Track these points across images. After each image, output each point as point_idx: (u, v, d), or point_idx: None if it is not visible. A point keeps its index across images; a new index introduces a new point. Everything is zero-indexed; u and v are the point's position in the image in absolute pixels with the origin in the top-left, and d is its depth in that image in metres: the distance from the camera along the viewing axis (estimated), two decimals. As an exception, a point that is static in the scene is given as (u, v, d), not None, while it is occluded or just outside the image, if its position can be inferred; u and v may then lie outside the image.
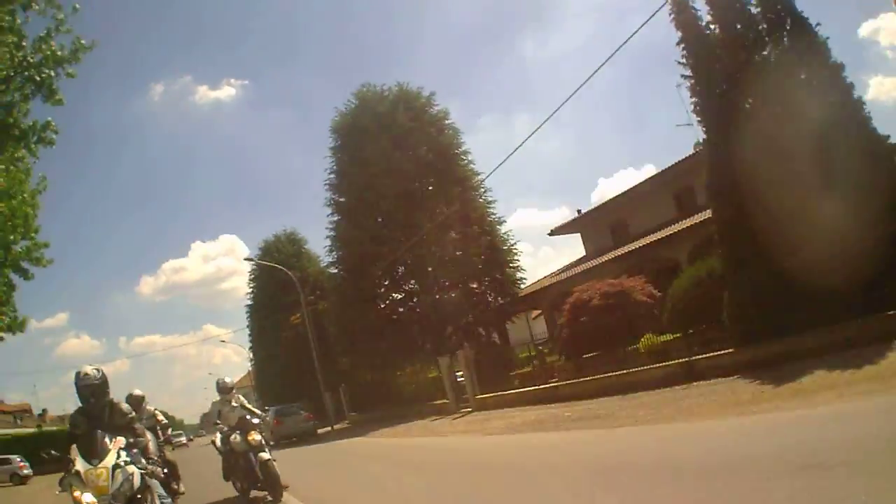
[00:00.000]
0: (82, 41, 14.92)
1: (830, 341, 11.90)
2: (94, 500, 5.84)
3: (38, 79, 14.54)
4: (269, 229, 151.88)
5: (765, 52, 14.28)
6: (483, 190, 33.01)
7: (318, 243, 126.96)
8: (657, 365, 16.34)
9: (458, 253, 31.27)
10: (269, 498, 10.60)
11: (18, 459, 39.01)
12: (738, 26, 14.64)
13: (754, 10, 14.57)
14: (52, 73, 14.68)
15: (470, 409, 23.68)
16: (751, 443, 7.85)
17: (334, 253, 35.95)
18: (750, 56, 14.35)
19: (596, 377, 18.27)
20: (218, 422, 12.16)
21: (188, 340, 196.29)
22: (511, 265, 32.33)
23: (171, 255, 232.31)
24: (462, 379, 25.41)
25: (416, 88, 33.83)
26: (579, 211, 33.52)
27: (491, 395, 23.18)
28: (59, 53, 14.77)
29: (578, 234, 34.22)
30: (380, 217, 32.26)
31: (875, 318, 11.63)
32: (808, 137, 12.72)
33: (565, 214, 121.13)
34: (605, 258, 25.79)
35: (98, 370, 6.98)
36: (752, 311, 13.54)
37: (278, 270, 44.44)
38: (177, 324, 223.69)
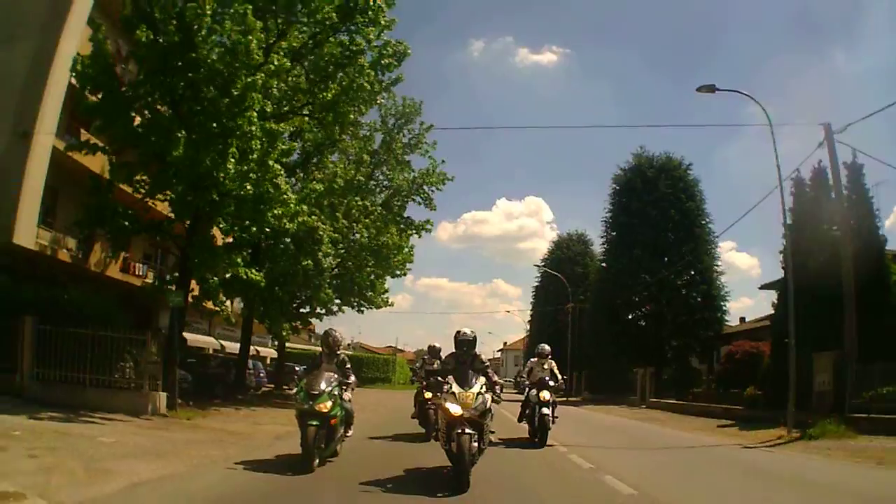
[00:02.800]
0: (447, 175, 30.90)
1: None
2: (460, 410, 9.18)
3: (422, 195, 30.77)
4: (572, 201, 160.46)
5: None
6: (713, 246, 45.39)
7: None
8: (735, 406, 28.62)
9: (683, 292, 44.39)
10: (538, 442, 14.56)
11: None
12: None
13: None
14: (429, 192, 30.80)
15: (645, 406, 37.38)
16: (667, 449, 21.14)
17: (602, 270, 50.95)
18: None
19: (705, 404, 31.02)
20: (523, 377, 16.20)
21: (476, 291, 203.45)
22: (720, 311, 44.26)
23: (475, 206, 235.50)
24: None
25: (678, 158, 46.98)
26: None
27: (656, 399, 36.98)
28: (432, 180, 30.73)
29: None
30: (635, 252, 45.29)
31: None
32: None
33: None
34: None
35: (472, 332, 10.49)
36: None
37: (569, 262, 63.03)
38: (468, 273, 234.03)
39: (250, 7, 16.71)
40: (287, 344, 37.95)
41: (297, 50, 19.93)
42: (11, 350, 16.43)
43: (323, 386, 10.38)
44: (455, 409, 9.18)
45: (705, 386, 36.87)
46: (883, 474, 12.51)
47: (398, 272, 31.82)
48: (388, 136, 30.18)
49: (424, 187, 31.38)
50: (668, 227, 44.84)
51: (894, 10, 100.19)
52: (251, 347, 35.44)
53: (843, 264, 21.20)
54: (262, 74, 16.79)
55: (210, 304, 21.82)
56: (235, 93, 16.20)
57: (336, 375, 10.84)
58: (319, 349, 12.02)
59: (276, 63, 17.59)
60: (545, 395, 14.79)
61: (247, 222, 18.54)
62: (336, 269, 28.87)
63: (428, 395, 14.61)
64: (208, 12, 16.26)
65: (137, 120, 18.27)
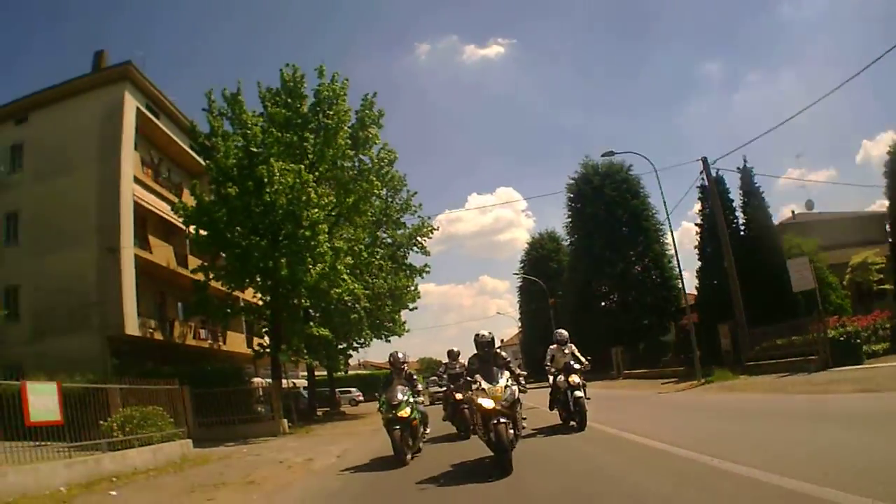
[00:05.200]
0: (433, 226, 41.28)
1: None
2: (492, 403, 10.17)
3: (418, 246, 40.63)
4: (542, 183, 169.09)
5: None
6: (661, 234, 55.22)
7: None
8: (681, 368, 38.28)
9: (641, 278, 54.33)
10: (576, 426, 15.08)
11: (356, 391, 65.22)
12: None
13: None
14: (423, 241, 40.55)
15: (621, 378, 47.60)
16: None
17: (571, 269, 60.58)
18: None
19: (667, 369, 40.95)
20: (548, 364, 16.42)
21: (464, 291, 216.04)
22: (674, 290, 53.23)
23: (447, 206, 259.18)
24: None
25: (619, 162, 56.07)
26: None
27: (629, 371, 47.52)
28: (423, 232, 40.45)
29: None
30: (595, 251, 54.83)
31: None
32: None
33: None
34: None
35: (490, 332, 11.45)
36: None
37: (545, 260, 73.12)
38: (453, 274, 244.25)
39: (302, 166, 26.79)
40: (317, 373, 47.29)
41: (323, 174, 29.86)
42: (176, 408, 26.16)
43: (400, 396, 12.67)
44: (488, 404, 10.23)
45: (671, 355, 46.35)
46: (723, 397, 21.31)
47: (410, 306, 41.51)
48: (385, 204, 39.72)
49: (418, 238, 40.97)
50: (619, 225, 54.61)
51: None
52: (288, 381, 45.50)
53: (726, 254, 31.09)
54: (318, 210, 26.60)
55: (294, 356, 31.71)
56: (307, 223, 26.00)
57: (407, 387, 13.21)
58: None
59: (325, 200, 27.63)
60: (574, 378, 15.18)
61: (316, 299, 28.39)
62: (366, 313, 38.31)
63: (458, 396, 15.88)
64: (276, 173, 25.85)
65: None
